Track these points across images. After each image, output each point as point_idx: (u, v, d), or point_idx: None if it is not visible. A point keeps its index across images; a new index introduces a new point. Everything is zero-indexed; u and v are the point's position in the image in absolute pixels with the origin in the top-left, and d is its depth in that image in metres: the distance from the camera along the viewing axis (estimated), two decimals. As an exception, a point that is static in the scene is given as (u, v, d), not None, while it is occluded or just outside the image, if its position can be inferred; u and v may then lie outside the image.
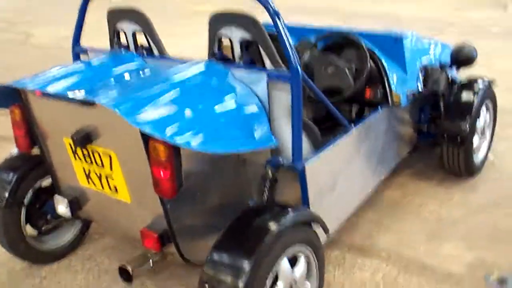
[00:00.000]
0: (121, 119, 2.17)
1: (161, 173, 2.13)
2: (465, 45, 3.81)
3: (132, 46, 3.05)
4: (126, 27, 2.99)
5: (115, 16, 3.02)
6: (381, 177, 3.38)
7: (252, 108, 2.43)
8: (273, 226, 2.20)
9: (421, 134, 3.85)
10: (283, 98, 2.50)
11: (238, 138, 2.31)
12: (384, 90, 3.28)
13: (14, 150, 3.00)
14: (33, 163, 2.93)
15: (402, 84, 3.37)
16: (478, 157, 3.92)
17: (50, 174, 2.78)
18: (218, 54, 2.70)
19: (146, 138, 2.11)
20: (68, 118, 2.40)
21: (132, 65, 2.72)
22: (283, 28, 2.35)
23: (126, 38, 3.04)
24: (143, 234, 2.38)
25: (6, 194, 2.83)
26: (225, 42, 2.87)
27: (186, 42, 7.61)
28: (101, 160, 2.39)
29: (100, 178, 2.47)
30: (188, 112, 2.19)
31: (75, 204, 2.70)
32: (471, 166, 3.80)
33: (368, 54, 3.18)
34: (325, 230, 2.49)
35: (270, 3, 2.35)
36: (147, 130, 2.00)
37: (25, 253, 3.03)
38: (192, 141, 2.09)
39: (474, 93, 3.69)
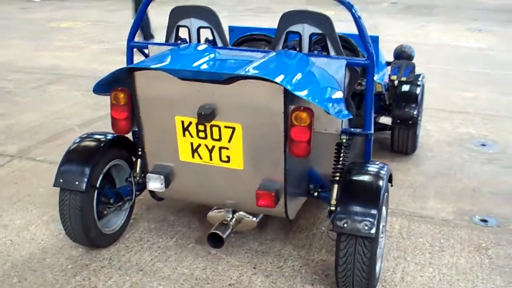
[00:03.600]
0: (253, 94, 2.58)
1: (301, 136, 2.58)
2: (405, 45, 4.72)
3: (195, 40, 3.35)
4: (192, 23, 3.30)
5: (180, 13, 3.30)
6: None
7: (338, 90, 2.97)
8: (380, 180, 2.81)
9: None
10: None
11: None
12: None
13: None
14: (106, 147, 3.12)
15: (379, 77, 4.14)
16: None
17: (141, 155, 3.00)
18: (290, 45, 3.16)
19: (287, 108, 2.55)
20: (186, 97, 2.69)
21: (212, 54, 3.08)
22: (359, 19, 2.94)
23: (189, 33, 3.34)
24: (260, 195, 2.76)
25: (86, 178, 2.97)
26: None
27: (65, 55, 7.90)
28: (219, 134, 2.73)
29: (211, 150, 2.79)
30: (317, 83, 2.71)
31: (168, 180, 2.96)
32: (416, 144, 4.72)
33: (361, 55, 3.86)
34: (392, 182, 3.11)
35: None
36: (311, 100, 2.49)
37: (95, 238, 3.16)
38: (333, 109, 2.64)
39: (417, 85, 4.61)
